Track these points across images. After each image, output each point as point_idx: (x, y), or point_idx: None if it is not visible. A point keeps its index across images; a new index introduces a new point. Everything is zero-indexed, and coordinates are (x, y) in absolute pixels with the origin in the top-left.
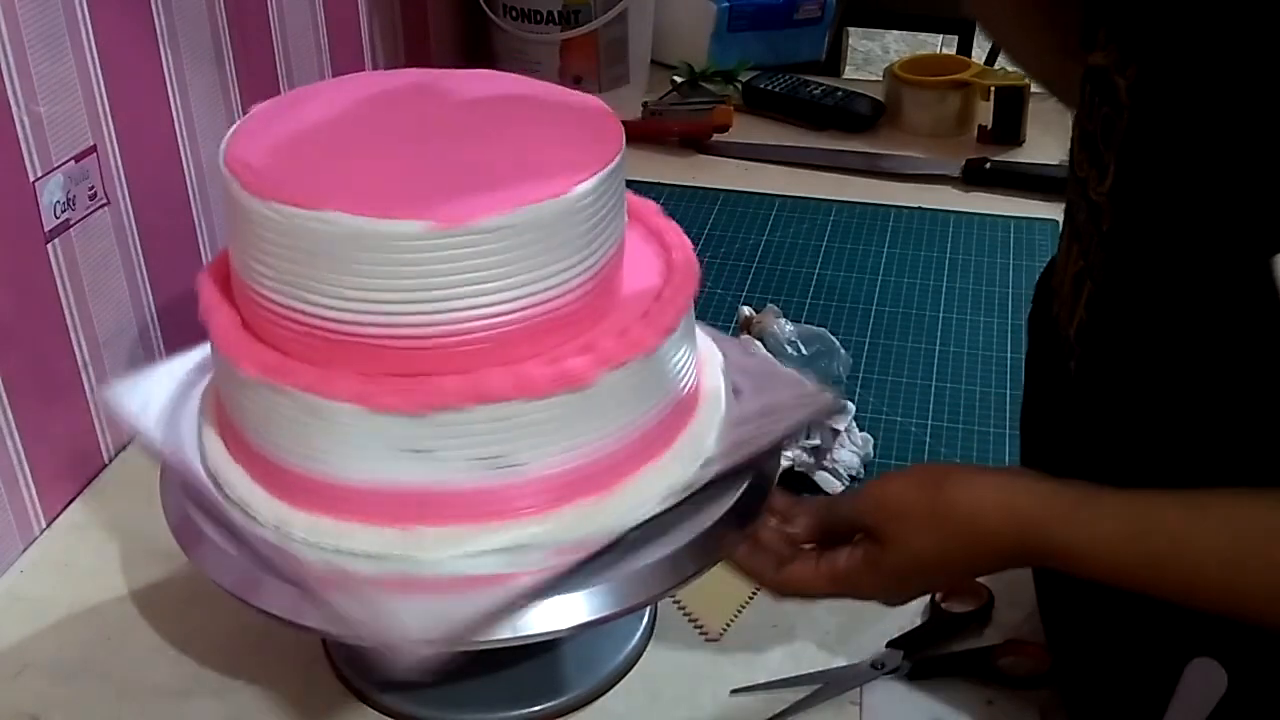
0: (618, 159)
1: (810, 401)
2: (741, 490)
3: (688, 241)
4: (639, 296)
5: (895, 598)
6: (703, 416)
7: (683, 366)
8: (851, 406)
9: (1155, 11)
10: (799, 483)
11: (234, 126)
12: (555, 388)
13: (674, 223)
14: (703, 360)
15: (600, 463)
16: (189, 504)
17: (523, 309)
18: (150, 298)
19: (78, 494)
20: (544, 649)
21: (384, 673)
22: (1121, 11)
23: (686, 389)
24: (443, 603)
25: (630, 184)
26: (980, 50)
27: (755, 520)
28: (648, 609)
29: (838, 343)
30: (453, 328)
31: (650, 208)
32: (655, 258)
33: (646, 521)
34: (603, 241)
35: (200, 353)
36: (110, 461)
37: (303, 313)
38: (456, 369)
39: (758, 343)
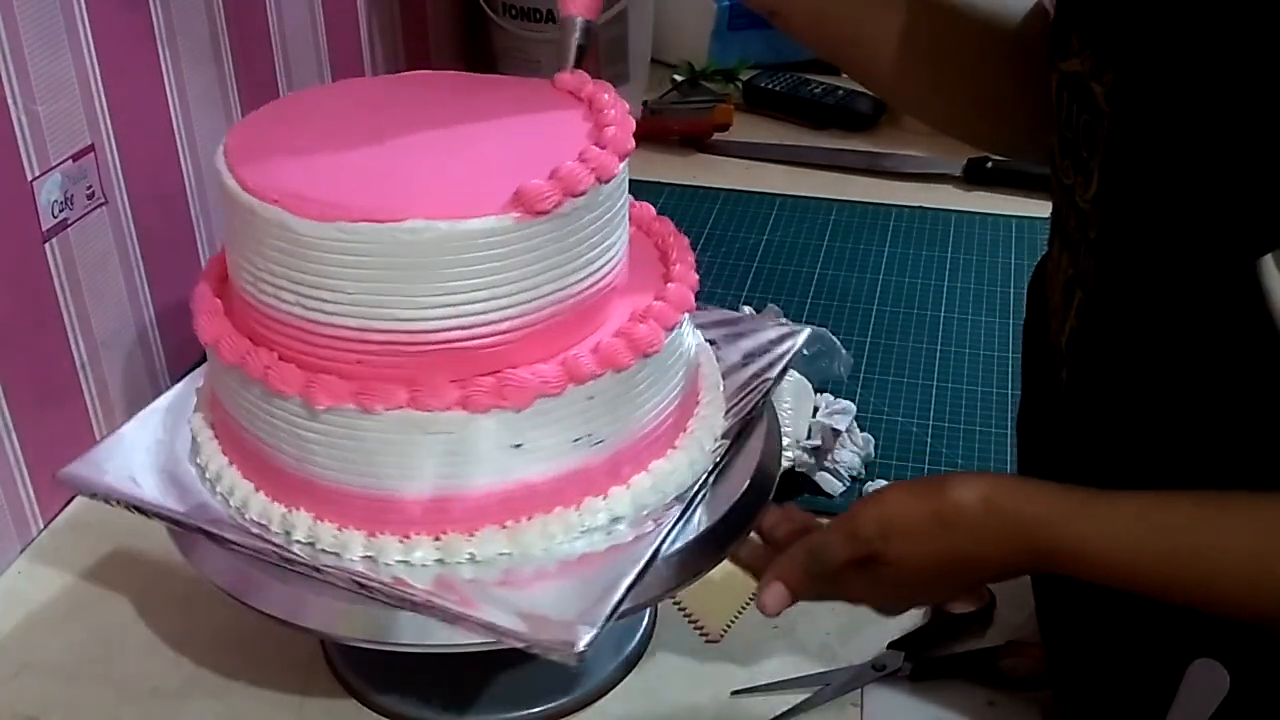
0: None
1: (789, 335)
2: (741, 491)
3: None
4: (647, 270)
5: (894, 608)
6: (709, 367)
7: (691, 363)
8: (852, 407)
9: (1130, 16)
10: (800, 483)
11: (228, 132)
12: (635, 357)
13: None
14: None
15: (663, 426)
16: (247, 566)
17: (588, 288)
18: (148, 297)
19: (76, 494)
20: None
21: (570, 674)
22: (1095, 17)
23: (701, 345)
24: (575, 585)
25: (630, 184)
26: None
27: (754, 521)
28: (648, 610)
29: (838, 342)
30: (526, 318)
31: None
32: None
33: (710, 472)
34: (622, 225)
35: (164, 401)
36: None
37: (383, 330)
38: (514, 362)
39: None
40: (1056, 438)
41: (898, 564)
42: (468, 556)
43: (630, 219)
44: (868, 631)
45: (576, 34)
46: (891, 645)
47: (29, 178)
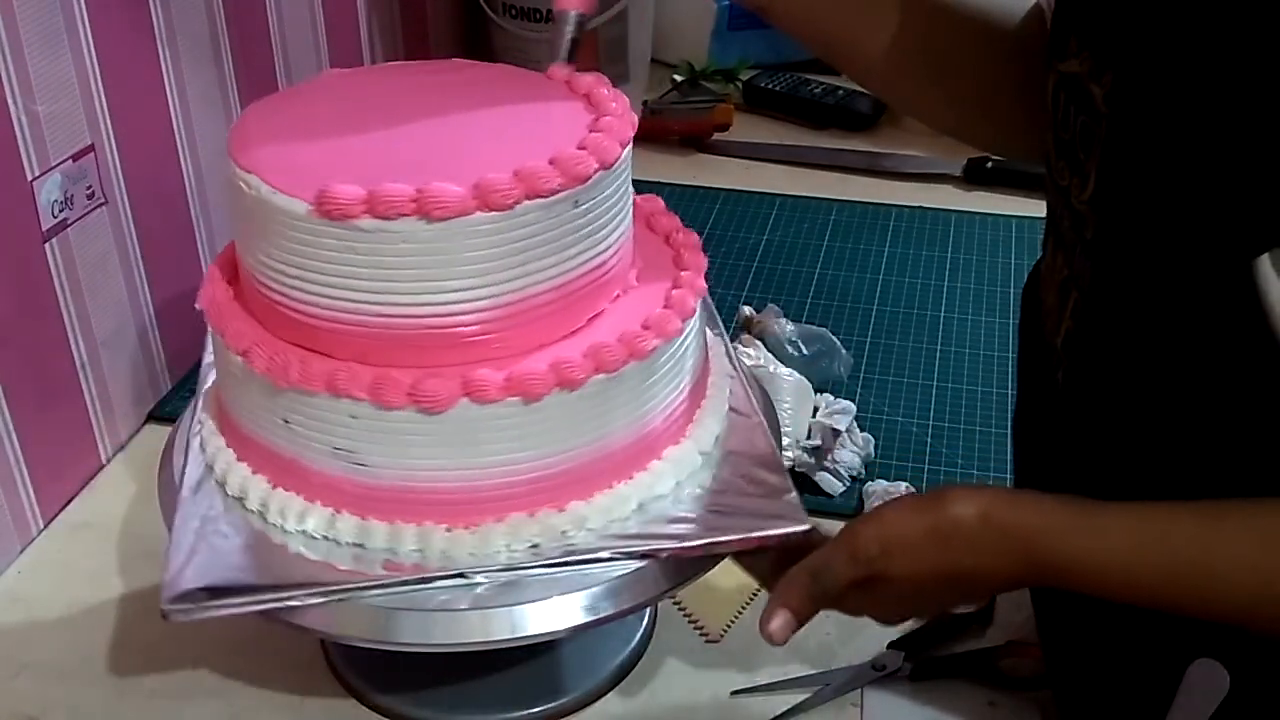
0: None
1: (779, 521)
2: None
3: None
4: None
5: (896, 619)
6: (626, 489)
7: (595, 426)
8: (852, 407)
9: (1130, 18)
10: (800, 483)
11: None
12: (406, 402)
13: (694, 237)
14: (670, 427)
15: (457, 494)
16: None
17: (421, 315)
18: (148, 297)
19: (76, 494)
20: (544, 649)
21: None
22: (1094, 19)
23: (595, 452)
24: (243, 568)
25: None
26: None
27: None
28: (648, 610)
29: (838, 342)
30: (332, 314)
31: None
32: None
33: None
34: (517, 266)
35: None
36: (108, 462)
37: (250, 273)
38: (357, 356)
39: (758, 342)
40: (1053, 439)
41: (900, 581)
42: (239, 492)
43: (636, 211)
44: (868, 631)
45: (570, 27)
46: (891, 645)
47: (29, 178)
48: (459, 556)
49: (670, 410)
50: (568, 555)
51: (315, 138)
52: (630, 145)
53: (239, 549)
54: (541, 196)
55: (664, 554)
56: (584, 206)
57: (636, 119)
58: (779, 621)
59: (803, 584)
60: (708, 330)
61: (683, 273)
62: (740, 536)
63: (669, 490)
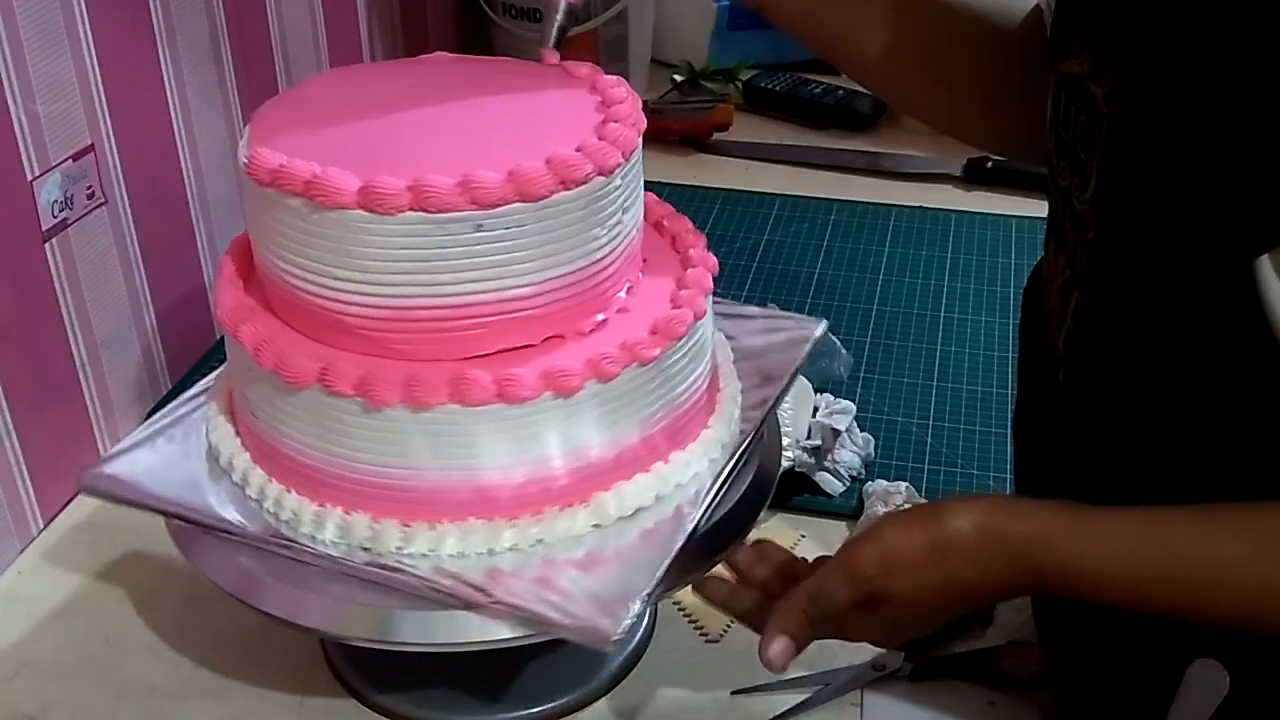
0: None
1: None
2: (741, 491)
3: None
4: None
5: (896, 641)
6: (475, 529)
7: (450, 454)
8: (852, 407)
9: (1131, 18)
10: (800, 483)
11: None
12: (271, 370)
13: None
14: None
15: (309, 471)
16: (247, 564)
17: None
18: (148, 297)
19: (76, 494)
20: (544, 649)
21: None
22: (1095, 19)
23: (441, 481)
24: (164, 477)
25: None
26: None
27: (752, 523)
28: (648, 610)
29: (839, 343)
30: (265, 271)
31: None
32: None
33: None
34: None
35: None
36: None
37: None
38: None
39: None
40: (1053, 439)
41: (902, 599)
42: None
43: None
44: None
45: (559, 15)
46: None
47: (29, 178)
48: (300, 532)
49: (563, 468)
50: (392, 571)
51: (344, 113)
52: (589, 181)
53: (171, 457)
54: (427, 211)
55: (476, 609)
56: (492, 233)
57: (642, 125)
58: (778, 647)
59: (800, 608)
60: (730, 400)
61: (666, 314)
62: (523, 630)
63: (530, 547)
